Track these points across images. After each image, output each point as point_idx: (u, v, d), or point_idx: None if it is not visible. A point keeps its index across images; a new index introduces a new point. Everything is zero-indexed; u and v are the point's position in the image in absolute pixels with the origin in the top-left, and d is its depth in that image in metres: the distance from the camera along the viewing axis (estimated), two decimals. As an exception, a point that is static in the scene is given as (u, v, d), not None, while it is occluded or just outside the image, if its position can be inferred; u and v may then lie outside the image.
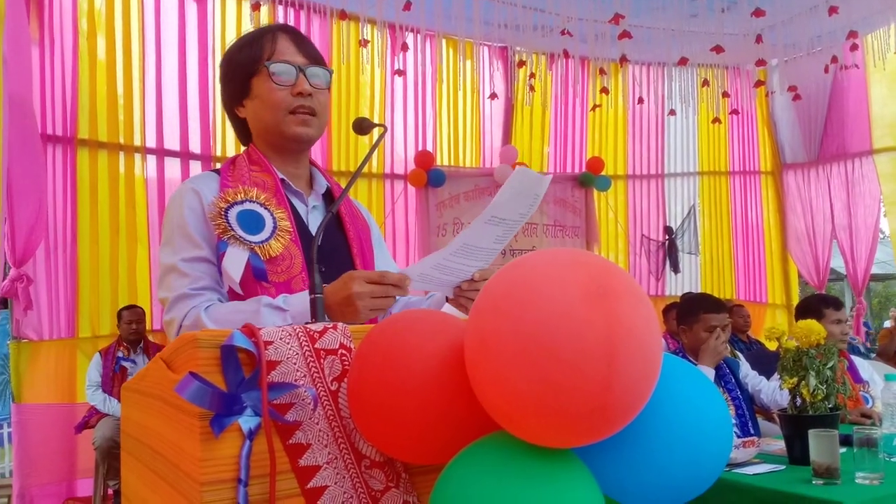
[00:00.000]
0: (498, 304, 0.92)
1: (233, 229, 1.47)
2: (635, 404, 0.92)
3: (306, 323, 1.21)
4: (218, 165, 5.90)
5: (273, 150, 1.64)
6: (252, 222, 1.49)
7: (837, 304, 3.48)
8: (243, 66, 1.59)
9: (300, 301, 1.41)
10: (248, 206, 1.51)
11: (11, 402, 5.19)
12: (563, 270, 0.91)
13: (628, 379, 0.88)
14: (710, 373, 3.10)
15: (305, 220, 1.63)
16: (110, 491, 4.94)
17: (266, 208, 1.53)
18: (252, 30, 1.69)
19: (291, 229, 1.54)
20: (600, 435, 0.92)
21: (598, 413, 0.88)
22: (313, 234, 1.58)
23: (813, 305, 3.48)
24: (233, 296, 1.50)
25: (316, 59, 1.62)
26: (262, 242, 1.48)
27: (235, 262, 1.45)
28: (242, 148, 1.72)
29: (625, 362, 0.86)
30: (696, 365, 3.09)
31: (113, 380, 5.10)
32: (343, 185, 1.72)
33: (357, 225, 1.71)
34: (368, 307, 1.37)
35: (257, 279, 1.47)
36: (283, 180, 1.62)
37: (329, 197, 1.72)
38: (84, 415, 5.12)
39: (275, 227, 1.51)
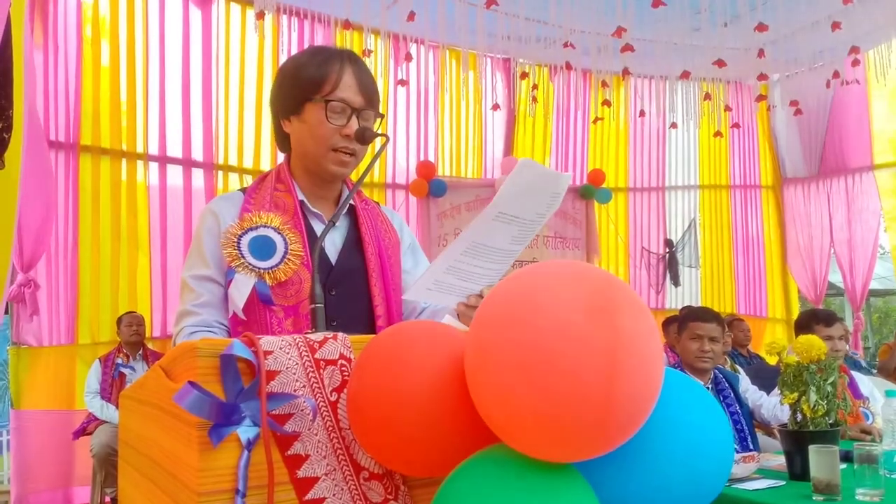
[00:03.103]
0: (499, 316, 0.92)
1: (243, 256, 1.52)
2: (636, 419, 0.91)
3: (306, 333, 1.21)
4: (220, 174, 5.86)
5: (305, 172, 1.67)
6: (264, 248, 1.54)
7: (829, 319, 3.40)
8: (303, 87, 1.59)
9: None
10: (261, 231, 1.56)
11: (10, 409, 5.18)
12: (565, 283, 0.91)
13: (630, 393, 0.87)
14: None
15: (323, 242, 1.63)
16: (108, 499, 4.92)
17: (280, 233, 1.56)
18: (324, 48, 1.70)
19: (303, 253, 1.56)
20: (601, 449, 0.92)
21: (598, 427, 0.88)
22: (328, 255, 1.62)
23: (805, 321, 3.45)
24: (236, 321, 1.53)
25: (373, 101, 1.65)
26: (271, 268, 1.53)
27: (241, 288, 1.51)
28: (280, 157, 1.75)
29: (626, 377, 0.86)
30: (690, 376, 3.09)
31: (112, 386, 5.09)
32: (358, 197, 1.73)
33: (381, 244, 1.70)
34: None
35: (263, 304, 1.51)
36: (301, 202, 1.64)
37: (353, 213, 1.71)
38: (82, 421, 5.11)
39: (286, 252, 1.55)
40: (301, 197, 1.64)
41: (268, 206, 1.60)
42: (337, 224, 1.67)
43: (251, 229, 1.55)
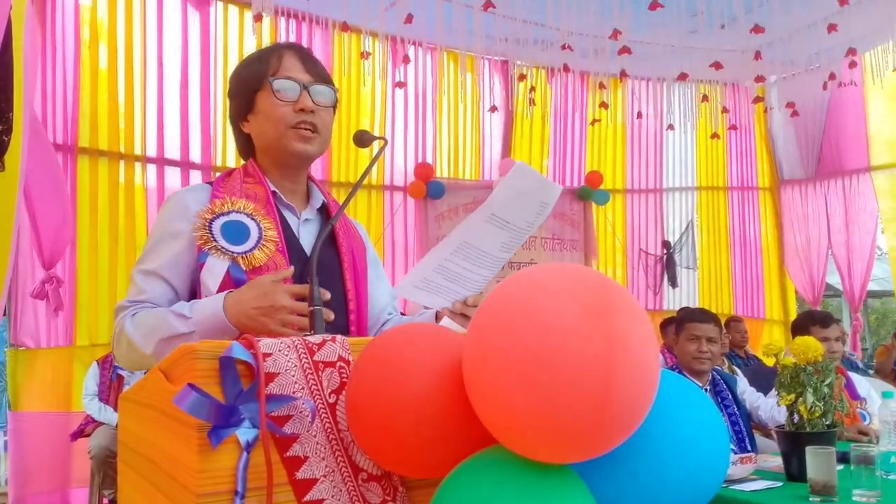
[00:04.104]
0: (497, 319, 0.92)
1: (215, 240, 1.48)
2: (633, 420, 0.92)
3: (305, 334, 1.22)
4: (217, 175, 5.86)
5: (273, 165, 1.65)
6: (237, 233, 1.51)
7: (825, 321, 3.42)
8: (249, 82, 1.61)
9: (205, 307, 1.42)
10: (234, 216, 1.52)
11: (7, 410, 5.17)
12: (563, 287, 0.91)
13: (626, 395, 0.88)
14: None
15: (296, 233, 1.63)
16: (105, 500, 4.91)
17: (253, 219, 1.53)
18: (262, 48, 1.70)
19: (278, 239, 1.54)
20: (597, 451, 0.92)
21: (595, 429, 0.88)
22: (303, 245, 1.61)
23: (801, 323, 3.47)
24: None
25: (322, 77, 1.64)
26: (245, 252, 1.49)
27: (214, 272, 1.47)
28: (242, 162, 1.73)
29: (623, 379, 0.87)
30: (688, 378, 3.10)
31: (110, 388, 5.08)
32: (340, 198, 1.72)
33: (352, 241, 1.71)
34: (285, 322, 1.37)
35: (238, 288, 1.47)
36: (274, 192, 1.62)
37: (325, 211, 1.72)
38: (80, 423, 5.11)
39: (260, 238, 1.52)
40: (273, 188, 1.63)
41: (238, 195, 1.57)
42: (310, 219, 1.67)
43: (222, 214, 1.51)
